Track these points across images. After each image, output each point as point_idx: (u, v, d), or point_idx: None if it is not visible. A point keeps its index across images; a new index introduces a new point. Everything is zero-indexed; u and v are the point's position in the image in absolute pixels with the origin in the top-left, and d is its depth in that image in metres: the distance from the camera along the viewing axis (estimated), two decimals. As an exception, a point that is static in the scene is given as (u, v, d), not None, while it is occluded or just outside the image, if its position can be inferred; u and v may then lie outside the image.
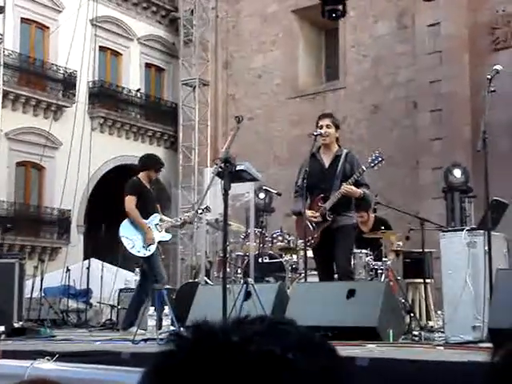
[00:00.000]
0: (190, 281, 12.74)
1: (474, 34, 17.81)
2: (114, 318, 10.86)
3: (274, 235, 10.48)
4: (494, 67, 6.14)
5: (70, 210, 19.56)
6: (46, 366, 4.51)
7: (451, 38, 17.67)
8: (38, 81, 20.86)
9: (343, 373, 0.85)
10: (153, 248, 8.03)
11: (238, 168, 5.85)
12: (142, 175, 8.36)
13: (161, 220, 8.24)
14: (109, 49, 22.65)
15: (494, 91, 5.99)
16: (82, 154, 15.64)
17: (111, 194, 22.60)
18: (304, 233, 6.88)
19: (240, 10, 22.88)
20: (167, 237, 8.35)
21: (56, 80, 20.88)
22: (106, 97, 22.02)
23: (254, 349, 0.81)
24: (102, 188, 20.95)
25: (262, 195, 12.89)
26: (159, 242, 8.19)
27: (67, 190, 15.95)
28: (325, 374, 0.82)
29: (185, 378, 0.80)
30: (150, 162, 8.54)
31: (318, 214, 6.78)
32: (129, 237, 8.01)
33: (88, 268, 12.56)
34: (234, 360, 0.80)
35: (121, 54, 23.10)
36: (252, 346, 0.81)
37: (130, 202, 8.10)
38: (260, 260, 9.71)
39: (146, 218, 8.10)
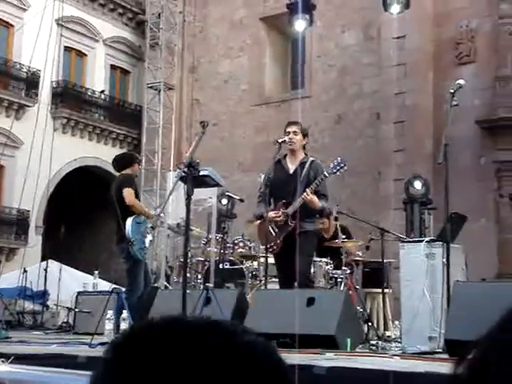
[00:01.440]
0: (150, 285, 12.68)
1: (438, 48, 18.06)
2: (70, 321, 10.73)
3: (236, 241, 10.48)
4: (457, 82, 6.24)
5: (29, 211, 19.31)
6: (0, 368, 4.43)
7: (416, 51, 17.89)
8: (0, 79, 20.57)
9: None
10: (146, 251, 7.80)
11: (201, 173, 5.85)
12: (128, 171, 8.05)
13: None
14: (74, 49, 22.45)
15: (456, 105, 6.08)
16: (43, 154, 15.44)
17: (72, 196, 22.48)
18: (266, 239, 6.90)
19: (208, 15, 22.88)
20: (152, 239, 8.09)
21: (19, 79, 20.62)
22: (69, 97, 21.80)
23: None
24: (62, 189, 20.73)
25: (224, 201, 12.86)
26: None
27: (27, 190, 15.71)
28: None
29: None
30: (128, 157, 8.44)
31: (280, 214, 6.80)
32: (133, 238, 7.56)
33: (46, 269, 12.40)
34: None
35: (86, 55, 22.91)
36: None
37: (131, 194, 7.70)
38: (220, 266, 9.69)
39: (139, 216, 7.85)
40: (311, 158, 7.09)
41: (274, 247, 6.89)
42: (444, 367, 4.33)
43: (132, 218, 7.64)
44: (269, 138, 17.61)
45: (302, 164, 6.95)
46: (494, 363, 0.79)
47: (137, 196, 7.98)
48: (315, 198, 6.71)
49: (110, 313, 6.93)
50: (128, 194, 7.69)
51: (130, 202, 7.67)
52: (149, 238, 7.81)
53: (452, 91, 6.12)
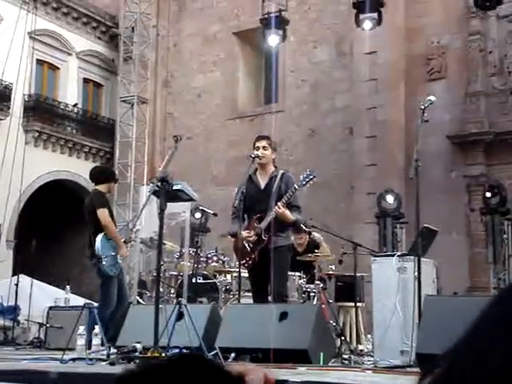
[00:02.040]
0: (122, 300, 12.60)
1: (409, 64, 18.27)
2: (41, 337, 10.62)
3: (209, 255, 10.47)
4: (428, 98, 6.32)
5: (0, 225, 19.10)
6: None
7: (388, 66, 18.08)
8: (-29, 92, 20.38)
9: None
10: (118, 267, 7.75)
11: (174, 187, 5.84)
12: (102, 187, 8.03)
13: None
14: (46, 62, 22.32)
15: (427, 121, 6.15)
16: (14, 167, 15.32)
17: (43, 210, 22.28)
18: (240, 254, 6.90)
19: (181, 30, 22.93)
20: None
21: (-9, 92, 20.45)
22: (41, 111, 21.66)
23: None
24: (34, 203, 20.55)
25: (197, 215, 12.85)
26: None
27: (-2, 203, 15.61)
28: None
29: None
30: (109, 174, 8.37)
31: (253, 234, 6.82)
32: (103, 254, 7.55)
33: (16, 284, 12.25)
34: None
35: (58, 68, 22.79)
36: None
37: (106, 214, 7.70)
38: (194, 280, 9.67)
39: None
40: (281, 171, 7.12)
41: (250, 262, 6.90)
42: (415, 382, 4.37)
43: (102, 234, 7.64)
44: (242, 152, 17.65)
45: (273, 178, 6.98)
46: (457, 377, 0.81)
47: (111, 213, 7.95)
48: (287, 212, 6.73)
49: (82, 328, 6.88)
50: (103, 215, 7.69)
51: (104, 222, 7.67)
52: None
53: (422, 107, 6.19)
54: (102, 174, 8.26)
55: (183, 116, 22.32)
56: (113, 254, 7.64)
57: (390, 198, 13.84)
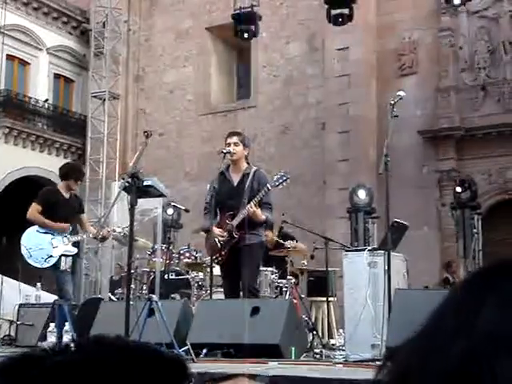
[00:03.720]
0: (93, 296, 12.52)
1: (381, 60, 18.38)
2: (12, 334, 10.51)
3: (182, 251, 10.43)
4: (398, 93, 6.36)
5: (-31, 222, 18.89)
6: None
7: (359, 62, 18.17)
8: None
9: None
10: (52, 260, 7.77)
11: (145, 183, 5.81)
12: (60, 185, 8.12)
13: (72, 232, 7.96)
14: (16, 58, 22.08)
15: (396, 116, 6.19)
16: (-16, 164, 15.16)
17: (14, 206, 22.03)
18: (211, 250, 6.90)
19: (153, 25, 22.82)
20: (72, 251, 8.04)
21: (-40, 87, 20.21)
22: (12, 106, 21.43)
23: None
24: (4, 199, 20.34)
25: (170, 211, 12.80)
26: (64, 255, 7.95)
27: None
28: None
29: None
30: (69, 172, 8.30)
31: (225, 233, 6.81)
32: (27, 246, 7.68)
33: (-1, 285, 12.14)
34: None
35: (29, 64, 22.56)
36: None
37: (32, 208, 7.82)
38: (166, 276, 9.63)
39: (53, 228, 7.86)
40: (254, 168, 7.11)
41: (220, 258, 6.90)
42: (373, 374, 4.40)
43: (34, 227, 7.76)
44: (215, 148, 17.57)
45: (246, 175, 6.97)
46: (415, 370, 0.81)
47: (57, 209, 7.90)
48: (258, 211, 6.73)
49: (52, 325, 6.83)
50: (30, 208, 7.82)
51: (27, 215, 7.79)
52: (65, 247, 7.79)
53: (392, 102, 6.22)
54: (61, 170, 8.29)
55: (155, 112, 22.23)
56: (42, 247, 7.71)
57: (361, 193, 13.91)
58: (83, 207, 8.36)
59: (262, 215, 6.75)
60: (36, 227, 7.77)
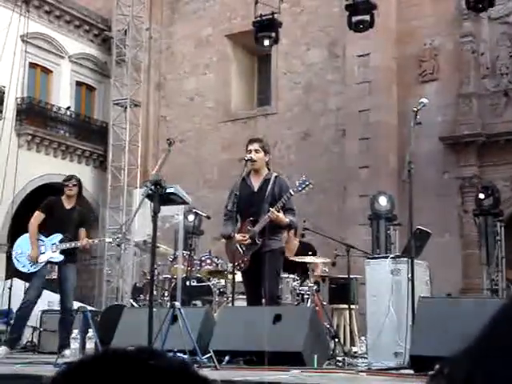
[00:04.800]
0: (116, 303, 12.58)
1: (402, 66, 18.32)
2: (35, 340, 10.59)
3: (203, 258, 10.44)
4: (421, 100, 6.33)
5: (-8, 228, 19.05)
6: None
7: (380, 68, 18.13)
8: (-36, 95, 20.33)
9: None
10: (39, 266, 7.94)
11: (167, 191, 5.83)
12: (64, 196, 8.31)
13: (64, 240, 8.03)
14: (39, 65, 22.28)
15: (419, 123, 6.17)
16: (7, 171, 15.29)
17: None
18: (233, 256, 6.91)
19: (174, 33, 22.93)
20: (57, 258, 8.03)
21: (-17, 95, 20.40)
22: (34, 114, 21.62)
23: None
24: (26, 207, 20.46)
25: (191, 217, 12.83)
26: (50, 263, 8.05)
27: (-9, 207, 15.56)
28: None
29: None
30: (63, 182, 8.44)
31: (247, 238, 6.82)
32: (17, 251, 8.04)
33: (10, 288, 12.21)
34: None
35: (51, 72, 22.76)
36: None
37: (34, 217, 8.13)
38: (187, 283, 9.65)
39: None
40: (274, 174, 7.11)
41: (242, 265, 6.90)
42: (409, 383, 4.38)
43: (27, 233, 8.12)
44: (235, 155, 17.65)
45: (267, 181, 6.98)
46: (480, 376, 0.81)
47: (56, 218, 8.12)
48: (281, 215, 6.74)
49: (76, 332, 6.86)
50: (33, 216, 8.18)
51: (30, 223, 8.13)
52: (52, 254, 7.93)
53: (415, 110, 6.20)
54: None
55: (176, 119, 22.31)
56: (25, 252, 8.01)
57: (382, 200, 13.85)
58: (86, 221, 8.49)
59: (285, 219, 6.76)
60: (28, 234, 8.12)
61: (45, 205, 8.24)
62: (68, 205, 8.19)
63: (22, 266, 8.03)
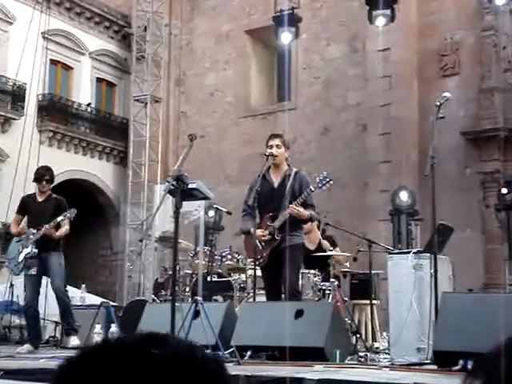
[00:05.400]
0: (137, 298, 12.63)
1: (423, 60, 18.21)
2: (57, 335, 10.66)
3: (223, 254, 10.45)
4: (444, 94, 6.28)
5: (15, 224, 19.17)
6: (-11, 384, 4.40)
7: (401, 63, 18.03)
8: (-14, 92, 20.50)
9: None
10: (20, 266, 7.97)
11: (190, 186, 5.83)
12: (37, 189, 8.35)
13: (35, 234, 7.99)
14: (60, 62, 22.42)
15: (442, 117, 6.12)
16: (29, 167, 15.39)
17: (58, 209, 22.35)
18: (253, 252, 6.91)
19: (194, 28, 22.96)
20: (32, 253, 7.96)
21: (5, 92, 20.55)
22: (55, 110, 21.76)
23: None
24: (48, 202, 20.62)
25: (211, 213, 12.86)
26: (30, 258, 7.97)
27: (13, 203, 15.64)
28: None
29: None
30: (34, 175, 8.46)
31: (267, 233, 6.81)
32: (7, 257, 8.22)
33: (33, 283, 12.30)
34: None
35: (72, 68, 22.89)
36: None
37: (12, 220, 8.39)
38: (208, 279, 9.67)
39: None
40: (294, 170, 7.10)
41: (261, 260, 6.90)
42: (433, 378, 4.36)
43: (15, 237, 8.18)
44: (255, 151, 17.64)
45: (287, 176, 6.97)
46: None
47: (31, 213, 8.16)
48: (301, 209, 6.73)
49: (98, 327, 6.90)
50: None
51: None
52: (26, 250, 7.96)
53: (438, 104, 6.16)
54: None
55: (196, 114, 22.35)
56: (14, 255, 8.05)
57: (403, 195, 13.80)
58: (61, 208, 8.19)
59: (305, 212, 6.75)
60: (15, 238, 8.16)
61: (18, 206, 8.35)
62: (40, 197, 8.19)
63: (11, 271, 8.15)
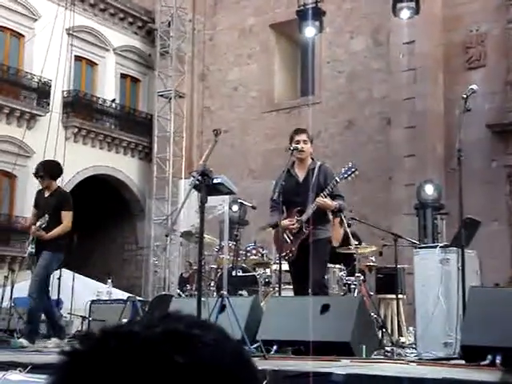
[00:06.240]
0: (163, 293, 12.68)
1: (448, 53, 18.05)
2: (84, 330, 10.75)
3: (248, 248, 10.46)
4: (470, 87, 6.22)
5: (41, 220, 19.35)
6: (18, 378, 4.45)
7: (425, 56, 17.88)
8: (12, 89, 20.68)
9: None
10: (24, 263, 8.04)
11: (215, 181, 5.83)
12: None
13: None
14: (84, 58, 22.56)
15: (469, 110, 6.07)
16: (55, 163, 15.49)
17: (84, 204, 22.50)
18: (280, 246, 6.91)
19: (217, 23, 22.97)
20: (31, 250, 7.98)
21: (30, 89, 20.73)
22: (80, 106, 21.91)
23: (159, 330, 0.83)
24: (74, 198, 20.73)
25: (235, 208, 12.87)
26: (29, 256, 8.02)
27: (39, 199, 15.79)
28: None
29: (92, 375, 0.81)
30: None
31: (294, 221, 6.81)
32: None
33: (59, 278, 12.40)
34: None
35: (96, 64, 23.02)
36: (157, 328, 0.84)
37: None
38: (233, 273, 9.68)
39: None
40: (319, 163, 7.10)
41: (290, 254, 6.89)
42: (461, 373, 4.33)
43: None
44: (279, 145, 17.64)
45: (311, 170, 6.96)
46: None
47: (39, 209, 8.19)
48: (329, 200, 6.72)
49: (125, 321, 6.93)
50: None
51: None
52: (28, 248, 8.00)
53: (464, 96, 6.10)
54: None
55: (220, 109, 22.37)
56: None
57: (429, 189, 13.70)
58: (63, 203, 8.22)
59: (333, 202, 6.74)
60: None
61: (34, 199, 8.40)
62: (47, 192, 8.22)
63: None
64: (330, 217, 7.38)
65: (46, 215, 7.74)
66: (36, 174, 8.22)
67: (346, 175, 6.86)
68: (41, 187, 8.31)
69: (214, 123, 20.14)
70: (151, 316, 0.89)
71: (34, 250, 7.87)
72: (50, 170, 8.23)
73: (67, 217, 8.11)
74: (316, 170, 6.94)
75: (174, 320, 0.87)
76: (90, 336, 0.86)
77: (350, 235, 9.18)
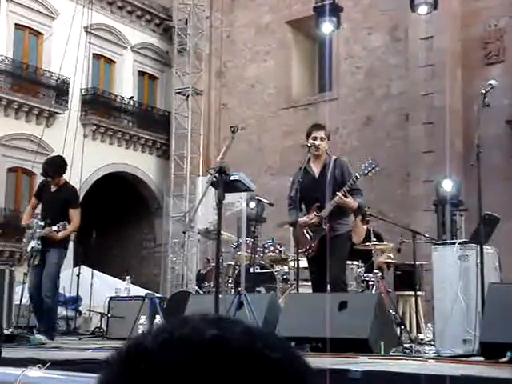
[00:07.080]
0: (181, 290, 12.72)
1: (466, 48, 17.93)
2: (103, 326, 10.81)
3: (266, 245, 10.45)
4: (489, 82, 6.18)
5: (60, 217, 19.46)
6: (37, 374, 4.47)
7: (444, 51, 17.77)
8: (30, 87, 20.82)
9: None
10: (25, 257, 8.05)
11: (232, 178, 5.84)
12: None
13: (44, 227, 7.98)
14: (102, 56, 22.65)
15: (488, 105, 6.02)
16: (73, 160, 15.58)
17: (102, 201, 22.64)
18: (298, 242, 6.90)
19: (234, 20, 22.96)
20: (36, 246, 7.98)
21: (49, 86, 20.85)
22: (98, 104, 22.01)
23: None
24: (92, 195, 20.90)
25: (252, 205, 12.87)
26: (32, 251, 8.02)
27: (58, 196, 15.88)
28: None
29: None
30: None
31: (312, 216, 6.78)
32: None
33: (78, 275, 12.49)
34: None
35: (114, 62, 23.11)
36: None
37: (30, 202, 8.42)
38: (251, 270, 9.69)
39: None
40: (334, 157, 7.08)
41: (310, 251, 6.87)
42: (480, 370, 4.30)
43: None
44: (296, 142, 17.61)
45: (326, 165, 6.94)
46: None
47: (43, 203, 8.22)
48: (349, 200, 6.69)
49: (143, 318, 6.97)
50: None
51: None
52: (32, 243, 7.99)
53: (483, 92, 6.06)
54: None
55: (237, 106, 22.37)
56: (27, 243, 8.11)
57: (448, 185, 13.62)
58: (71, 199, 8.20)
59: (354, 203, 6.71)
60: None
61: (36, 189, 8.44)
62: (54, 187, 8.17)
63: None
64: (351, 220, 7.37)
65: (66, 222, 7.77)
66: (45, 175, 8.22)
67: (366, 171, 6.83)
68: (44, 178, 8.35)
69: (232, 120, 20.13)
70: (219, 321, 0.84)
71: (40, 247, 7.90)
72: (56, 167, 8.25)
73: (76, 215, 8.10)
74: (331, 164, 6.93)
75: (228, 323, 0.83)
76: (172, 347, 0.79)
77: (372, 233, 9.16)
